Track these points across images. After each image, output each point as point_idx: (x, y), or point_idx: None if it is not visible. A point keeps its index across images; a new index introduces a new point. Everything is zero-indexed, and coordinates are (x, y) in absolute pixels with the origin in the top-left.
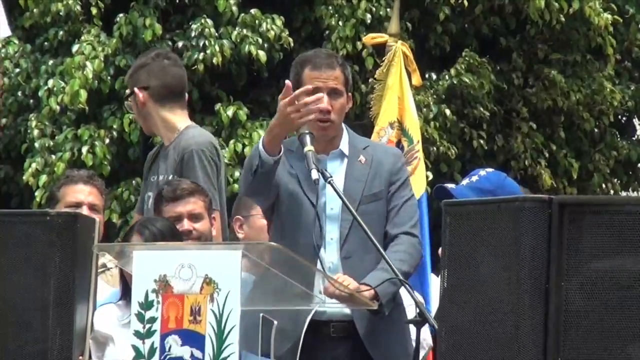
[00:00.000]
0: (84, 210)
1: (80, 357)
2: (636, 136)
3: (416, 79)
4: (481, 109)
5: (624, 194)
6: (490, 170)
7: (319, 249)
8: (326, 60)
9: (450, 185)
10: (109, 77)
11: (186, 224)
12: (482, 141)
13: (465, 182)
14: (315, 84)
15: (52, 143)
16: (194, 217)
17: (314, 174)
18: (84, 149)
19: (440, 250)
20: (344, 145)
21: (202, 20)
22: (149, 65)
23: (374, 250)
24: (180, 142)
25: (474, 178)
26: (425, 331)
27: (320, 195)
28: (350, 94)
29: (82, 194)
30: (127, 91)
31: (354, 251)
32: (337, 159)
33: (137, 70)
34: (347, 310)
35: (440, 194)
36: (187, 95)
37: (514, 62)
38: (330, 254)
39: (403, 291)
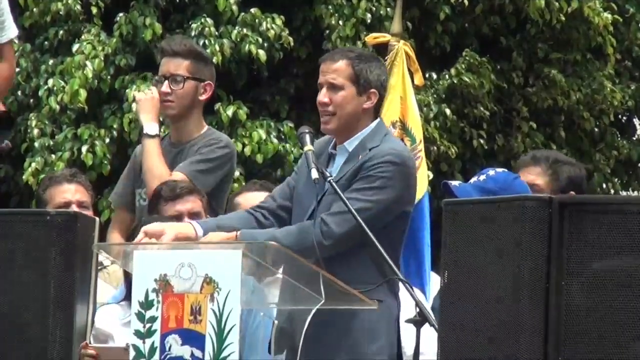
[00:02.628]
0: (73, 209)
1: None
2: (636, 136)
3: (418, 79)
4: (481, 108)
5: (624, 193)
6: (500, 170)
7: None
8: (330, 55)
9: (454, 183)
10: (108, 77)
11: None
12: (482, 141)
13: (473, 180)
14: (319, 79)
15: (52, 142)
16: (194, 216)
17: (314, 174)
18: (84, 149)
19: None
20: (352, 143)
21: (202, 20)
22: (212, 66)
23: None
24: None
25: (482, 177)
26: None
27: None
28: (374, 90)
29: (69, 193)
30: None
31: None
32: (342, 155)
33: (208, 64)
34: None
35: (445, 191)
36: None
37: (514, 62)
38: None
39: (403, 291)
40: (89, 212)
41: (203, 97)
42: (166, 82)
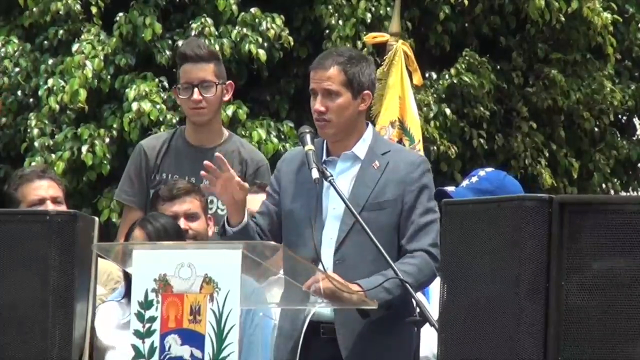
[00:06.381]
0: (49, 205)
1: None
2: (636, 136)
3: (417, 79)
4: (481, 108)
5: (624, 193)
6: (489, 170)
7: (319, 250)
8: (321, 61)
9: (449, 188)
10: (108, 76)
11: (182, 224)
12: (482, 140)
13: (465, 183)
14: (312, 86)
15: (51, 142)
16: (190, 217)
17: (314, 173)
18: (84, 148)
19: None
20: (360, 149)
21: (202, 19)
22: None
23: (369, 258)
24: (240, 151)
25: (474, 179)
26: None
27: (325, 195)
28: (367, 92)
29: (42, 190)
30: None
31: (349, 255)
32: (348, 161)
33: (222, 64)
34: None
35: (440, 197)
36: None
37: (514, 62)
38: (325, 254)
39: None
40: (64, 207)
41: (226, 98)
42: (196, 89)
